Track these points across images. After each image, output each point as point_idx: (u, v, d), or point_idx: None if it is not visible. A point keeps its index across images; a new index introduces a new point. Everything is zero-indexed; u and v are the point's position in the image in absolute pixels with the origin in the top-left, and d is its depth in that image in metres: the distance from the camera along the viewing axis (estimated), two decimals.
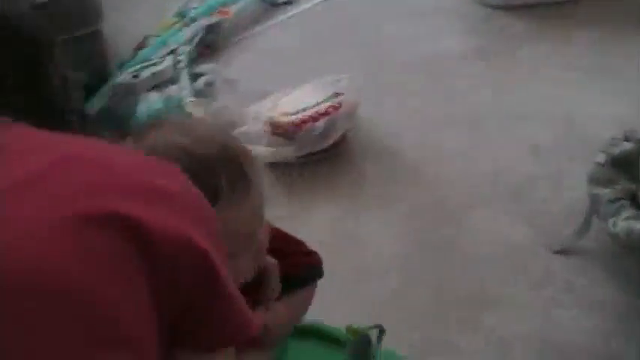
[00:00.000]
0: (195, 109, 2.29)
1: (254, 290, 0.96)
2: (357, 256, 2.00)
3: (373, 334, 1.07)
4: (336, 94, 2.25)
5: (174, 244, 0.68)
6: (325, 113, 2.19)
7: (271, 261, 0.98)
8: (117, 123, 2.42)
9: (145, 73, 2.50)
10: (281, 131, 2.22)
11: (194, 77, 2.53)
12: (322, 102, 2.23)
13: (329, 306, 1.18)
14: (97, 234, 0.66)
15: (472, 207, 2.07)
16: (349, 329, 1.06)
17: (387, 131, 2.37)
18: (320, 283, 1.12)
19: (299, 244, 1.09)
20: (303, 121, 2.19)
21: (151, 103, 2.33)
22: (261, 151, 2.23)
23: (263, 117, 2.26)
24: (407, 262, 1.95)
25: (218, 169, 0.86)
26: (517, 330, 1.71)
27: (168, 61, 2.57)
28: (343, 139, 2.26)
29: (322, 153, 2.24)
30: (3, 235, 0.65)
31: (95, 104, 2.43)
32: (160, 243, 0.68)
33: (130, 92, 2.44)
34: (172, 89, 2.37)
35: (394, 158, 2.28)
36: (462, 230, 2.01)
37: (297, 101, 2.27)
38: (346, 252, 2.01)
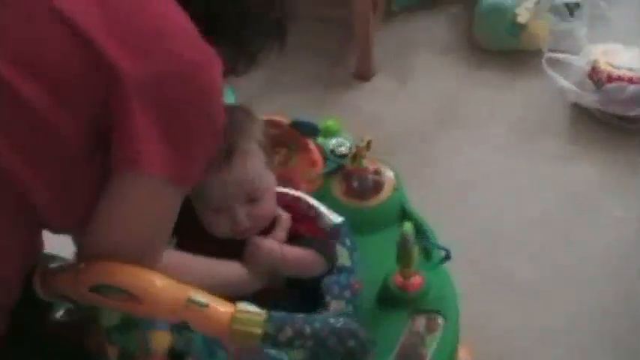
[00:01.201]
0: (522, 16, 2.25)
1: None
2: (579, 230, 1.89)
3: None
4: None
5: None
6: None
7: (284, 214, 1.16)
8: None
9: None
10: (595, 78, 2.11)
11: None
12: None
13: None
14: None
15: None
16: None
17: None
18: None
19: (316, 221, 1.18)
20: (619, 78, 2.04)
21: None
22: (569, 87, 2.16)
23: (592, 57, 2.16)
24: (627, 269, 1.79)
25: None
26: None
27: None
28: None
29: (628, 122, 2.08)
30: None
31: None
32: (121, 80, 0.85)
33: None
34: None
35: None
36: None
37: (632, 59, 2.11)
38: (570, 217, 1.92)
